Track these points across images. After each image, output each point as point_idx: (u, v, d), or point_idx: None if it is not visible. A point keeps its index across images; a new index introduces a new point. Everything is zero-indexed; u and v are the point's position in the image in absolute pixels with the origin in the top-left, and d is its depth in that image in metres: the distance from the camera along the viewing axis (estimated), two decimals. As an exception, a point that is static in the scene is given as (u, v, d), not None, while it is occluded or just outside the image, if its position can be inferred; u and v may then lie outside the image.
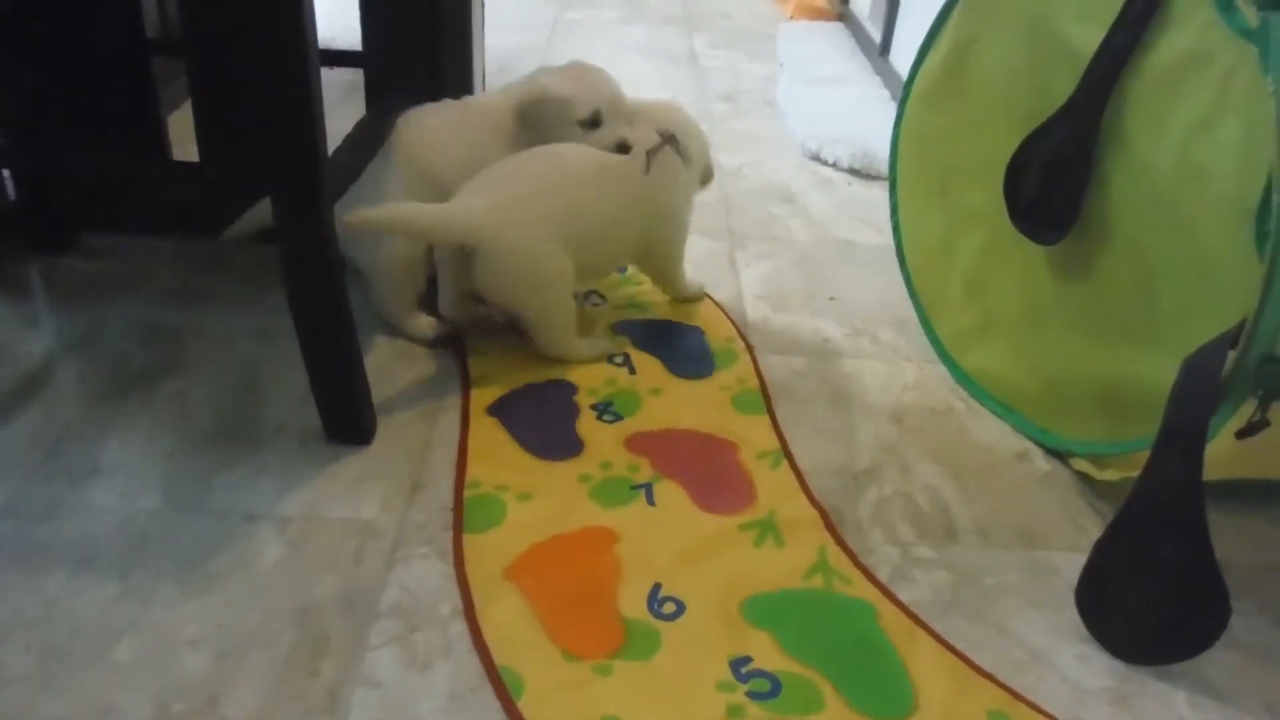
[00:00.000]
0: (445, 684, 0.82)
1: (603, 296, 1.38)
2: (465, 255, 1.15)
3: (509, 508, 1.01)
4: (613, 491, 1.04)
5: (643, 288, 1.39)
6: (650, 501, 1.03)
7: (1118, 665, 0.89)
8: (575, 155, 1.21)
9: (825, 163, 1.88)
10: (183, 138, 1.39)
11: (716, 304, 1.39)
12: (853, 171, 1.85)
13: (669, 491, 1.04)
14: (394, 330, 1.26)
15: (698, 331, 1.32)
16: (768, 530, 1.00)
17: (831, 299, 1.43)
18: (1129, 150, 1.02)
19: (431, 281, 1.26)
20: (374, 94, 1.46)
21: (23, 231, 1.37)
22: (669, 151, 1.25)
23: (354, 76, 1.48)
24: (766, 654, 0.87)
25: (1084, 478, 1.10)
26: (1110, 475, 1.05)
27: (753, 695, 0.83)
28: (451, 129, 1.27)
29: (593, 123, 1.25)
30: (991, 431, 1.18)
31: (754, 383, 1.23)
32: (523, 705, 0.81)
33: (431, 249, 1.22)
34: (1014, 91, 1.16)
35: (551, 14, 2.74)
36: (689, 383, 1.22)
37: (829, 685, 0.84)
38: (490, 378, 1.20)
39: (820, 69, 2.30)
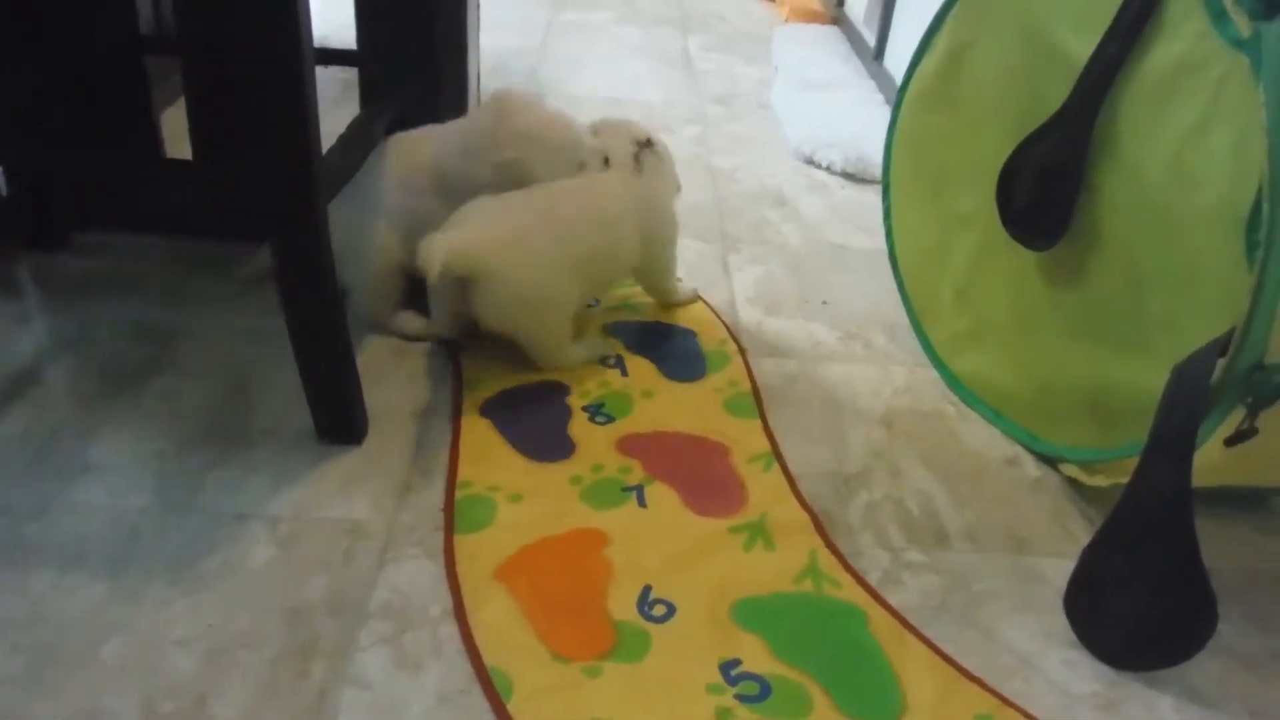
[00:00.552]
0: (435, 685, 0.82)
1: (596, 299, 1.38)
2: (461, 284, 1.13)
3: (500, 509, 1.01)
4: (604, 493, 1.04)
5: (636, 289, 1.39)
6: (641, 504, 1.03)
7: (1105, 671, 0.90)
8: (565, 182, 1.22)
9: (819, 166, 1.88)
10: (176, 136, 1.38)
11: (709, 307, 1.39)
12: (846, 175, 1.85)
13: (660, 494, 1.04)
14: (385, 331, 1.26)
15: (690, 334, 1.32)
16: (758, 533, 1.00)
17: (824, 303, 1.43)
18: (1121, 158, 1.02)
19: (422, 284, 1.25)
20: (369, 93, 1.45)
21: (14, 229, 1.36)
22: (651, 152, 1.27)
23: (349, 75, 1.48)
24: (756, 657, 0.87)
25: (1074, 483, 1.10)
26: (1100, 481, 1.05)
27: (742, 698, 0.83)
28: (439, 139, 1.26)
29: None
30: (982, 436, 1.19)
31: (746, 386, 1.23)
32: (512, 707, 0.81)
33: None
34: (1007, 97, 1.17)
35: (546, 15, 2.74)
36: (681, 385, 1.22)
37: (818, 688, 0.84)
38: (482, 378, 1.19)
39: (815, 72, 2.30)
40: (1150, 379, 0.92)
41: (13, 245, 1.36)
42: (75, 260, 1.36)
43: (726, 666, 0.86)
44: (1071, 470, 1.10)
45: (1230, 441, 0.90)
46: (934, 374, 1.29)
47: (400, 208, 1.22)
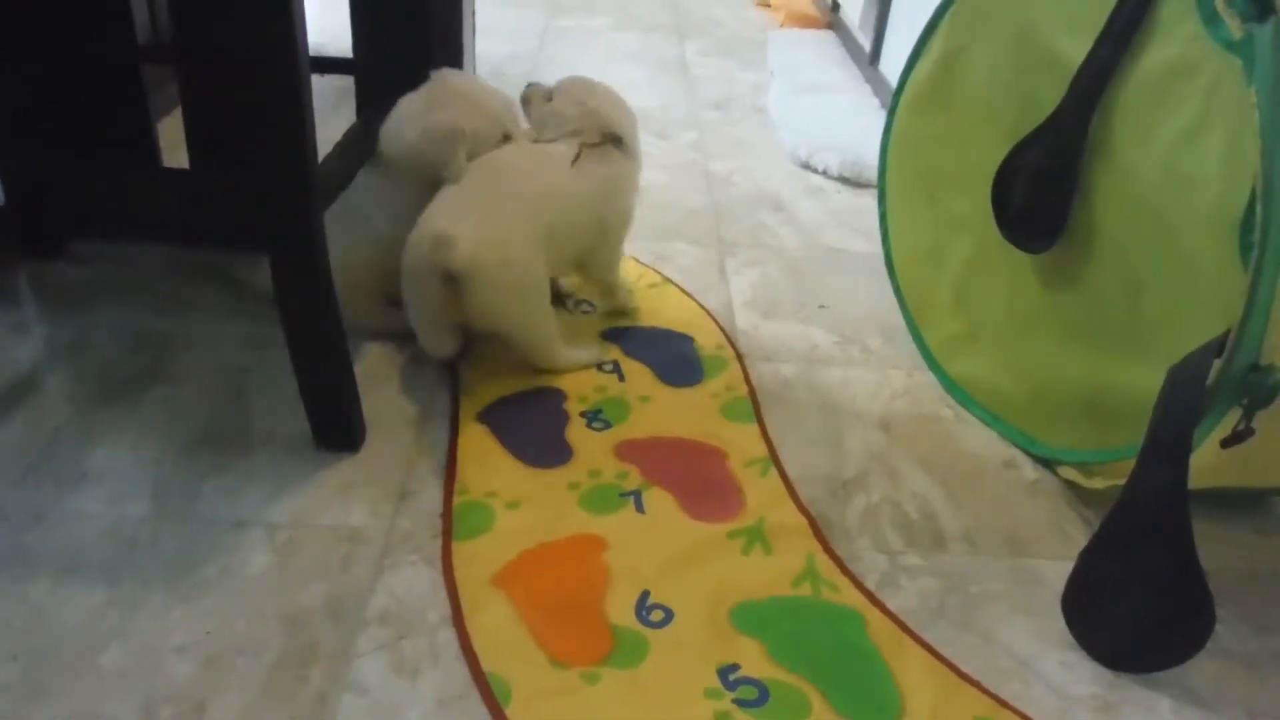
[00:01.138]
0: (433, 691, 0.82)
1: (592, 304, 1.38)
2: (446, 287, 1.10)
3: (498, 515, 1.01)
4: (602, 499, 1.04)
5: (633, 294, 1.39)
6: (639, 509, 1.03)
7: (1103, 673, 0.90)
8: (532, 159, 1.21)
9: (815, 170, 1.89)
10: (173, 144, 1.38)
11: (706, 311, 1.39)
12: (842, 179, 1.85)
13: (658, 499, 1.04)
14: (384, 337, 1.26)
15: (687, 339, 1.33)
16: (756, 538, 1.00)
17: (821, 307, 1.44)
18: (1115, 160, 1.03)
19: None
20: (365, 101, 1.46)
21: (12, 237, 1.36)
22: (609, 148, 1.25)
23: (345, 83, 1.48)
24: (754, 661, 0.87)
25: (1071, 486, 1.10)
26: (1098, 483, 1.05)
27: (740, 703, 0.83)
28: (370, 207, 1.23)
29: (505, 140, 1.22)
30: (979, 439, 1.19)
31: (743, 390, 1.23)
32: (510, 712, 0.81)
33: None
34: (1001, 101, 1.17)
35: (542, 21, 2.75)
36: (678, 390, 1.22)
37: (816, 692, 0.84)
38: (480, 385, 1.20)
39: (810, 77, 2.31)
40: (1146, 380, 0.92)
41: (11, 254, 1.36)
42: (73, 269, 1.36)
43: (725, 671, 0.86)
44: (1069, 473, 1.10)
45: (1227, 443, 0.90)
46: (931, 377, 1.29)
47: (376, 210, 1.21)
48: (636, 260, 1.49)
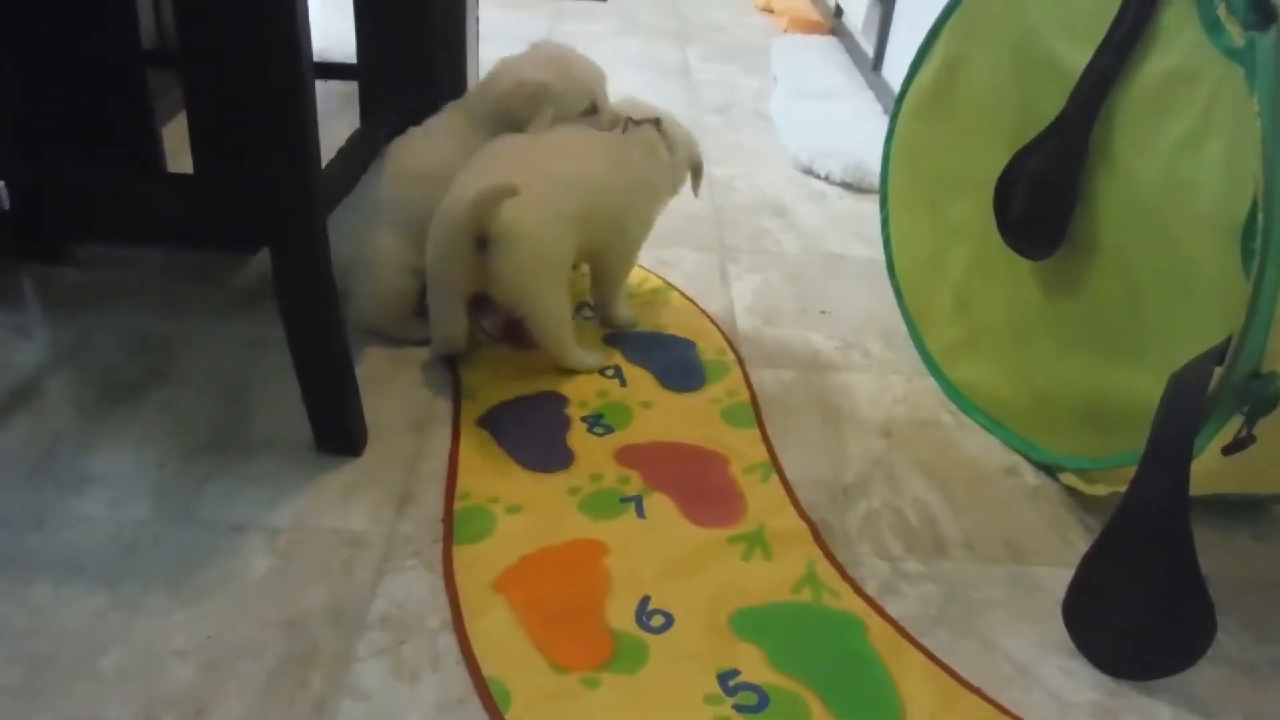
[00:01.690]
0: (433, 696, 0.83)
1: (595, 310, 1.38)
2: (476, 254, 1.11)
3: (499, 519, 1.01)
4: (602, 504, 1.04)
5: (634, 300, 1.39)
6: (640, 514, 1.03)
7: (1104, 679, 0.90)
8: (580, 142, 1.23)
9: (817, 176, 1.89)
10: (178, 149, 1.39)
11: (707, 316, 1.40)
12: (844, 185, 1.86)
13: (659, 504, 1.04)
14: (386, 341, 1.26)
15: (689, 344, 1.33)
16: (757, 543, 1.00)
17: (822, 312, 1.44)
18: (1116, 167, 1.03)
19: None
20: (368, 106, 1.46)
21: (15, 240, 1.37)
22: (651, 129, 1.28)
23: (348, 89, 1.48)
24: (755, 667, 0.87)
25: (1072, 492, 1.10)
26: (1099, 490, 1.05)
27: (740, 708, 0.83)
28: (442, 138, 1.28)
29: (590, 112, 1.27)
30: (980, 445, 1.19)
31: (744, 395, 1.23)
32: (510, 717, 0.81)
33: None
34: (1002, 108, 1.17)
35: (545, 27, 2.75)
36: (680, 395, 1.22)
37: (816, 698, 0.84)
38: (481, 389, 1.20)
39: (813, 82, 2.31)
40: (1147, 387, 0.92)
41: (14, 257, 1.37)
42: (76, 272, 1.37)
43: (725, 677, 0.86)
44: (1070, 479, 1.10)
45: (1228, 450, 0.90)
46: (932, 383, 1.29)
47: (405, 211, 1.22)
48: (638, 265, 1.49)
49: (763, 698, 0.84)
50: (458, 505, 1.02)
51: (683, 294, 1.45)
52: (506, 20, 2.72)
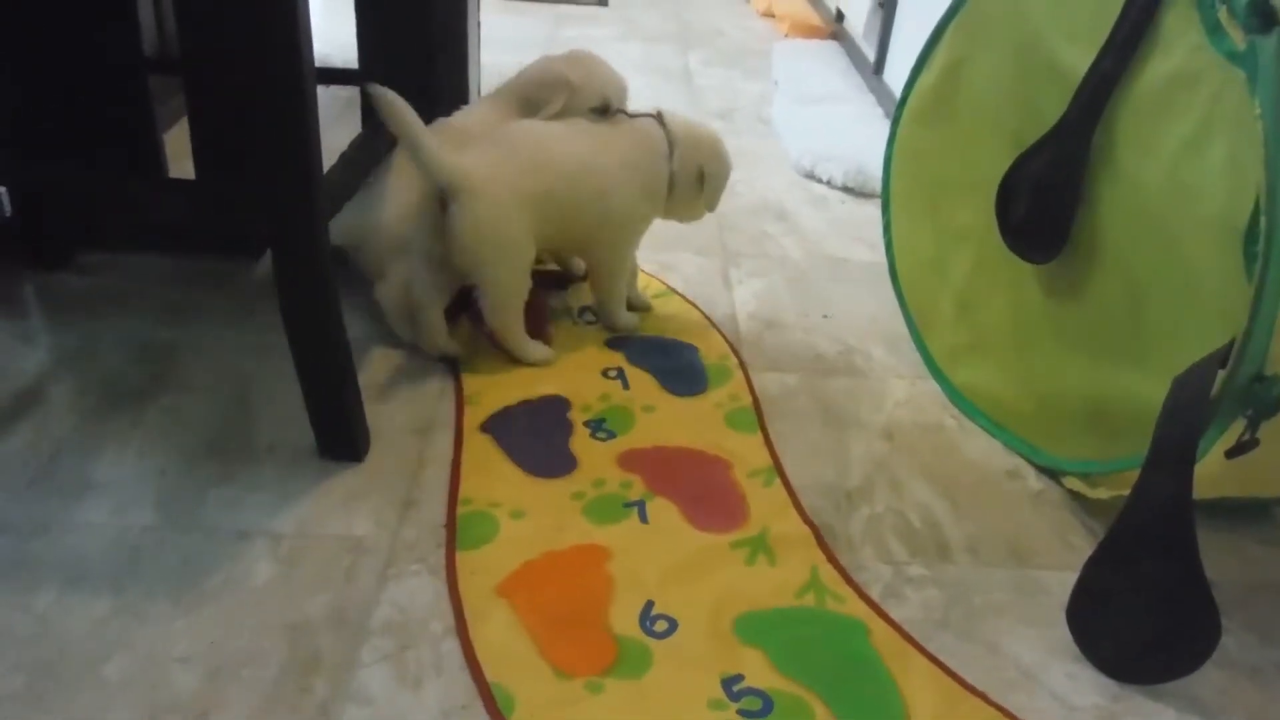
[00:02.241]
0: (436, 702, 0.82)
1: (596, 314, 1.38)
2: (439, 220, 1.16)
3: (502, 525, 1.01)
4: (605, 509, 1.04)
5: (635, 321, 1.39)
6: (643, 519, 1.03)
7: (1108, 684, 0.89)
8: (560, 132, 1.26)
9: (819, 180, 1.89)
10: (180, 155, 1.39)
11: (710, 321, 1.40)
12: (846, 189, 1.86)
13: (661, 509, 1.04)
14: (389, 346, 1.26)
15: (691, 348, 1.33)
16: (760, 548, 1.00)
17: (824, 316, 1.44)
18: (1118, 170, 1.03)
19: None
20: (370, 112, 1.46)
21: (18, 247, 1.37)
22: (651, 122, 1.30)
23: (350, 94, 1.49)
24: (758, 672, 0.87)
25: (1075, 496, 1.10)
26: (1102, 494, 1.05)
27: (744, 714, 0.83)
28: (475, 120, 1.33)
29: (603, 111, 1.30)
30: (983, 449, 1.19)
31: (747, 400, 1.23)
32: (514, 723, 0.81)
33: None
34: (1004, 111, 1.17)
35: (547, 32, 2.76)
36: (682, 399, 1.22)
37: (821, 703, 0.84)
38: (484, 394, 1.20)
39: (814, 87, 2.31)
40: (1150, 390, 0.92)
41: (17, 264, 1.37)
42: (78, 278, 1.37)
43: (728, 682, 0.86)
44: (1073, 483, 1.10)
45: (1231, 453, 0.90)
46: (934, 387, 1.29)
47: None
48: (641, 270, 1.49)
49: (767, 703, 0.84)
50: (460, 510, 1.02)
51: (685, 298, 1.45)
52: (508, 25, 2.73)
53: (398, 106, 1.11)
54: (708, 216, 1.38)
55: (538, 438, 1.14)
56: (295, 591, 0.91)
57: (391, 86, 1.34)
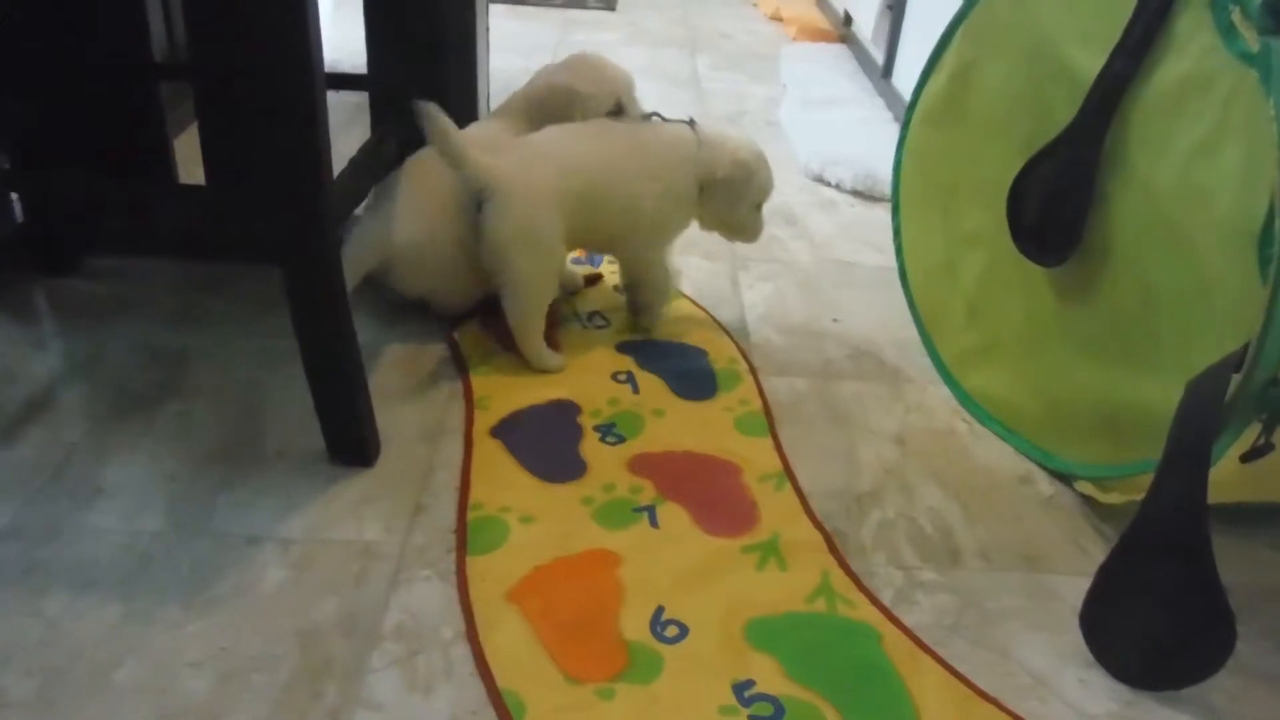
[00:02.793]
0: (447, 707, 0.82)
1: (606, 319, 1.38)
2: (475, 220, 1.19)
3: (512, 530, 1.01)
4: (615, 514, 1.04)
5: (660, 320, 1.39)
6: (653, 524, 1.03)
7: (1121, 690, 0.89)
8: (592, 133, 1.29)
9: (828, 184, 1.89)
10: (190, 161, 1.39)
11: (719, 325, 1.39)
12: (855, 193, 1.85)
13: (672, 514, 1.04)
14: (398, 351, 1.26)
15: (701, 353, 1.32)
16: (770, 553, 1.00)
17: (834, 320, 1.43)
18: (1131, 173, 1.02)
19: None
20: (379, 117, 1.46)
21: (28, 253, 1.37)
22: (683, 126, 1.31)
23: (359, 99, 1.49)
24: (769, 677, 0.86)
25: (1087, 500, 1.09)
26: (1114, 498, 1.05)
27: (756, 719, 0.82)
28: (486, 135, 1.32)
29: (616, 113, 1.32)
30: (994, 453, 1.18)
31: (756, 404, 1.23)
32: (525, 729, 0.80)
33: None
34: (1015, 115, 1.17)
35: (555, 36, 2.76)
36: (692, 404, 1.22)
37: (832, 709, 0.84)
38: (493, 399, 1.20)
39: (823, 91, 2.31)
40: (1163, 395, 0.92)
41: (27, 270, 1.37)
42: (89, 285, 1.37)
43: (740, 687, 0.85)
44: (1086, 487, 1.09)
45: (1246, 458, 0.90)
46: (945, 391, 1.29)
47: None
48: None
49: (778, 708, 0.83)
50: (470, 516, 1.02)
51: (694, 302, 1.45)
52: (516, 30, 2.73)
53: (434, 114, 1.13)
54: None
55: (547, 442, 1.14)
56: (305, 597, 0.91)
57: (400, 91, 1.34)
